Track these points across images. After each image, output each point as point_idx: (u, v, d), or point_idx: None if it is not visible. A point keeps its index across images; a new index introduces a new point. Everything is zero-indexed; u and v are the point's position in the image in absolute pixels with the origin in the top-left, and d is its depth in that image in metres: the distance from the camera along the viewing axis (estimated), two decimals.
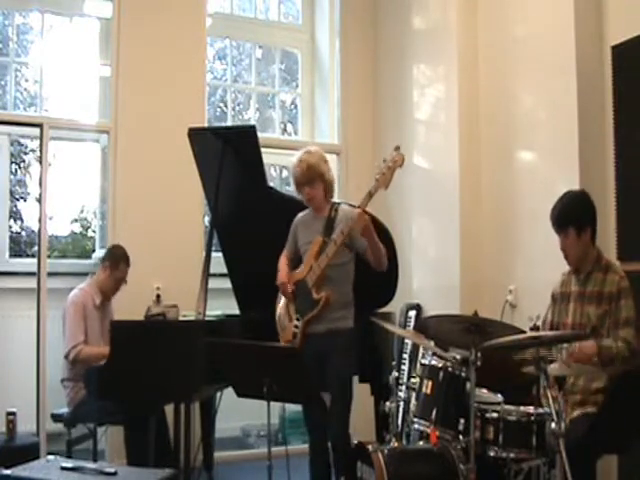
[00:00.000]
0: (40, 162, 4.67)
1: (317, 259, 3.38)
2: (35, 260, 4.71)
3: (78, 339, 3.91)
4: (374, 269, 3.40)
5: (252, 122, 5.84)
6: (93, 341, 4.03)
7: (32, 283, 4.65)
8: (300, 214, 3.61)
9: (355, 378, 3.62)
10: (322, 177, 3.44)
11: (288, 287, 3.44)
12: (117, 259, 4.15)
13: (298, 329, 3.40)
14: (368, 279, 3.47)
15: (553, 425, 2.50)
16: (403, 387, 3.63)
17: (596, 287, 2.98)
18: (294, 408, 5.06)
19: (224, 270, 4.26)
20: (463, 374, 2.94)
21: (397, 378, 3.46)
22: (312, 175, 3.42)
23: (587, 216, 3.06)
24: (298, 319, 3.40)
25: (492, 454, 2.77)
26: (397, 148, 3.19)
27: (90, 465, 2.74)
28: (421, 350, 4.02)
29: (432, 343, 3.25)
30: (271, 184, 4.36)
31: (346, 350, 3.36)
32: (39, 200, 4.65)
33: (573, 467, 2.41)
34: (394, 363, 3.61)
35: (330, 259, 3.33)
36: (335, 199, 3.63)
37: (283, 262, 3.55)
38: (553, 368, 2.74)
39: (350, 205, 3.60)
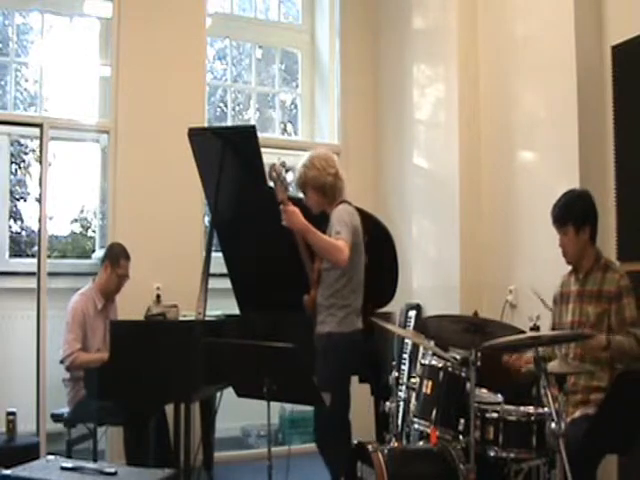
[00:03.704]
0: (40, 162, 4.67)
1: None
2: (35, 260, 4.70)
3: (74, 347, 3.92)
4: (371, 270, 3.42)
5: (252, 122, 5.83)
6: (96, 346, 4.03)
7: (32, 283, 4.64)
8: None
9: (354, 378, 3.61)
10: (312, 184, 3.38)
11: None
12: (116, 256, 4.15)
13: None
14: (368, 279, 3.46)
15: (553, 425, 2.50)
16: (403, 387, 3.62)
17: (595, 286, 2.99)
18: (294, 408, 5.06)
19: (224, 270, 4.26)
20: (463, 374, 2.95)
21: (397, 378, 3.45)
22: (301, 184, 3.43)
23: (586, 215, 3.07)
24: None
25: (492, 454, 2.76)
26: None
27: (90, 465, 2.73)
28: (421, 350, 4.02)
29: (432, 343, 3.25)
30: (271, 184, 4.35)
31: (321, 355, 3.32)
32: (39, 200, 4.64)
33: (575, 470, 2.40)
34: (394, 363, 3.60)
35: (306, 262, 3.43)
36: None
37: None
38: (553, 365, 2.75)
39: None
